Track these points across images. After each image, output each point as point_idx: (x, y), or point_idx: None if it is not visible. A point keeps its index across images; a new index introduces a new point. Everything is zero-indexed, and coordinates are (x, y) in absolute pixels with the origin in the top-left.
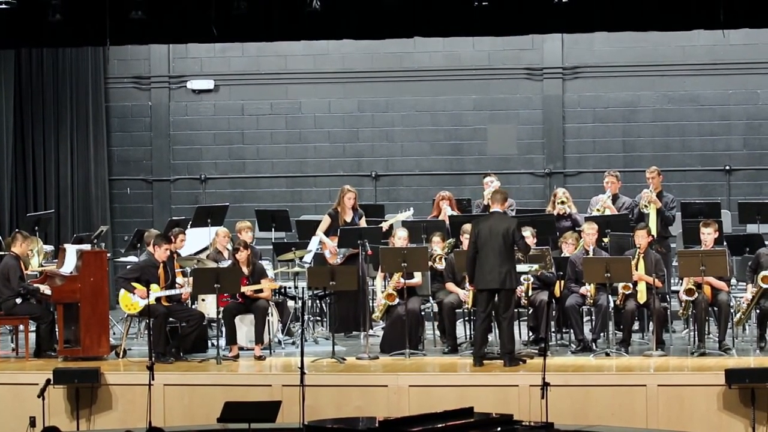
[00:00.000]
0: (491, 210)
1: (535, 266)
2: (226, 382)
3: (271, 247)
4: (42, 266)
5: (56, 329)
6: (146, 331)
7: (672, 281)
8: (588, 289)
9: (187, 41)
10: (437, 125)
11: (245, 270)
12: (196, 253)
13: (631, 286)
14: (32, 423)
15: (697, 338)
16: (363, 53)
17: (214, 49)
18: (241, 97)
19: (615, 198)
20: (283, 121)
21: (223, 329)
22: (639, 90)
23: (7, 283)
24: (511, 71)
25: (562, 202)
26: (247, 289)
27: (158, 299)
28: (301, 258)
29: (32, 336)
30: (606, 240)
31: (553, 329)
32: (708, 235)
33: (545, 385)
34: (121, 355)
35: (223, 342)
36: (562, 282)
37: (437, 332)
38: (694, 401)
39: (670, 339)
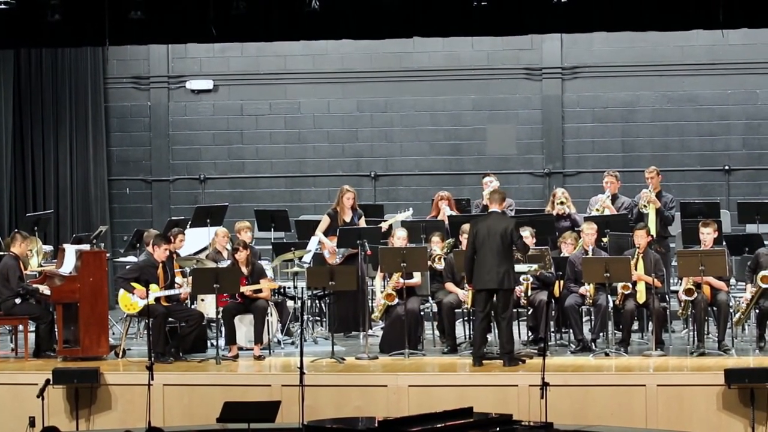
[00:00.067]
0: (490, 210)
1: (535, 266)
2: (225, 382)
3: (270, 247)
4: (41, 266)
5: (55, 329)
6: (145, 331)
7: (671, 281)
8: (587, 289)
9: (186, 41)
10: (436, 125)
11: (244, 270)
12: (196, 253)
13: (631, 286)
14: (32, 423)
15: (696, 338)
16: (362, 53)
17: (213, 49)
18: (240, 97)
19: (614, 198)
20: (283, 121)
21: (223, 329)
22: (638, 90)
23: (6, 283)
24: (511, 71)
25: (562, 203)
26: (247, 289)
27: (157, 299)
28: (300, 258)
29: (31, 336)
30: (605, 240)
31: (552, 329)
32: (707, 235)
33: (544, 385)
34: (120, 355)
35: (222, 342)
36: (562, 282)
37: (436, 332)
38: (693, 401)
39: (670, 339)
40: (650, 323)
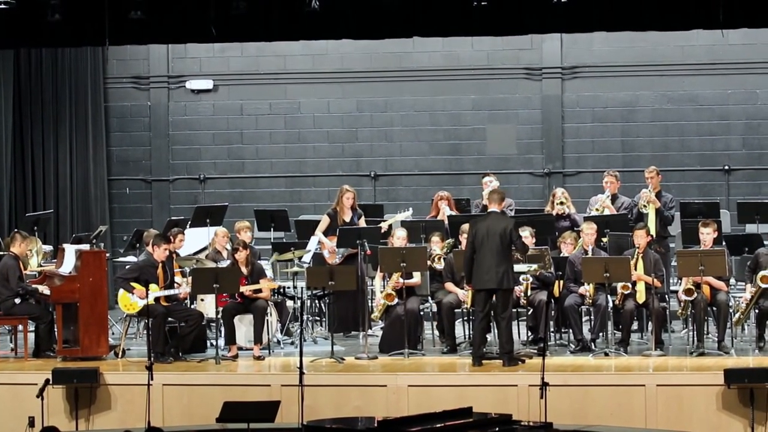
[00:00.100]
0: (489, 210)
1: (534, 266)
2: (225, 382)
3: (270, 247)
4: (41, 266)
5: (55, 329)
6: (145, 331)
7: (671, 281)
8: (587, 288)
9: (186, 41)
10: (436, 125)
11: (244, 270)
12: (195, 253)
13: (630, 285)
14: (31, 423)
15: (696, 338)
16: (362, 53)
17: (213, 49)
18: (240, 97)
19: (614, 198)
20: (282, 121)
21: (222, 329)
22: (638, 90)
23: (6, 283)
24: (510, 71)
25: (561, 203)
26: (246, 289)
27: (157, 299)
28: (300, 258)
29: (31, 336)
30: (605, 240)
31: (552, 329)
32: (707, 234)
33: (544, 385)
34: (120, 355)
35: (222, 342)
36: (561, 282)
37: (436, 332)
38: (693, 401)
39: (669, 339)
40: (650, 323)
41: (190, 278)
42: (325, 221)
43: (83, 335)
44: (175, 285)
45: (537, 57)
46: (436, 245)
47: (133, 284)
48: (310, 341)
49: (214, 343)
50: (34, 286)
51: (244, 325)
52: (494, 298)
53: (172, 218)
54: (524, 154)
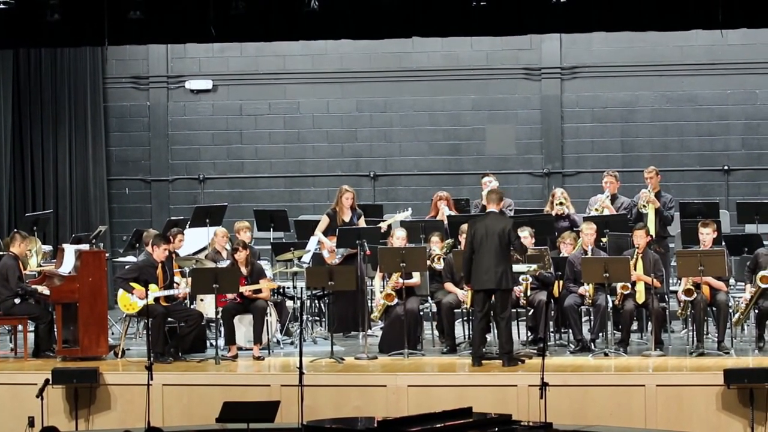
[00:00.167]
0: (487, 210)
1: (534, 266)
2: (224, 382)
3: (269, 247)
4: (40, 266)
5: (55, 329)
6: (145, 331)
7: (670, 281)
8: (587, 289)
9: (186, 41)
10: (436, 125)
11: (244, 270)
12: (195, 253)
13: (630, 286)
14: (31, 423)
15: (695, 338)
16: (361, 53)
17: (213, 49)
18: (239, 97)
19: (614, 198)
20: (282, 121)
21: (222, 329)
22: (637, 90)
23: (5, 283)
24: (510, 71)
25: (561, 203)
26: (246, 289)
27: (157, 299)
28: (299, 258)
29: (31, 336)
30: (604, 240)
31: (551, 329)
32: (706, 235)
33: (544, 385)
34: (119, 355)
35: (221, 342)
36: (561, 282)
37: (436, 332)
38: (692, 401)
39: (669, 339)
40: (649, 323)
41: (189, 278)
42: (324, 221)
43: (83, 335)
44: (175, 285)
45: (536, 57)
46: (436, 245)
47: (133, 284)
48: (310, 341)
49: (214, 343)
50: (33, 286)
51: (243, 325)
52: (493, 298)
53: (172, 218)
54: (523, 155)
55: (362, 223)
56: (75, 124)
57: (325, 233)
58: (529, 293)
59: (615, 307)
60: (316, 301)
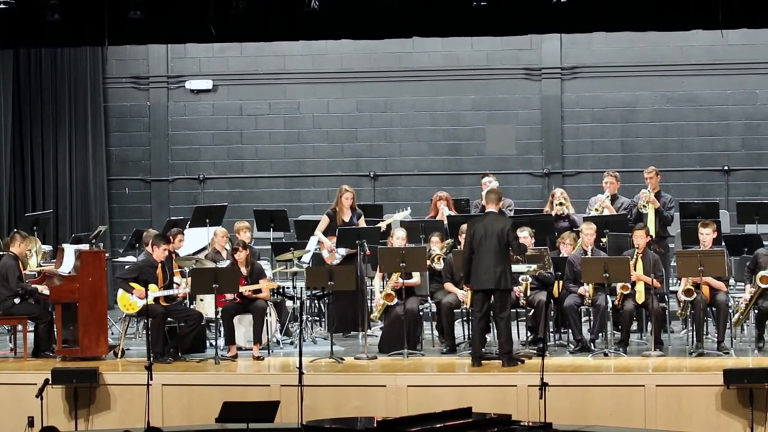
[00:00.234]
0: (486, 210)
1: (534, 266)
2: (224, 382)
3: (269, 247)
4: (40, 266)
5: (55, 329)
6: (144, 331)
7: (670, 281)
8: (586, 289)
9: (186, 41)
10: (436, 125)
11: (244, 270)
12: (195, 253)
13: (630, 286)
14: (30, 423)
15: (695, 338)
16: (361, 53)
17: (213, 49)
18: (239, 97)
19: (614, 198)
20: (282, 121)
21: (222, 329)
22: (637, 90)
23: (5, 283)
24: (510, 71)
25: (560, 203)
26: (246, 289)
27: (156, 299)
28: (299, 258)
29: (31, 336)
30: (604, 240)
31: (551, 329)
32: (706, 235)
33: (543, 385)
34: (119, 355)
35: (221, 342)
36: (561, 282)
37: (435, 332)
38: (692, 401)
39: (669, 339)
40: (649, 323)
41: (189, 278)
42: (324, 221)
43: (83, 335)
44: (175, 285)
45: (536, 57)
46: (436, 245)
47: (133, 284)
48: (310, 341)
49: (214, 343)
50: (33, 285)
51: (243, 326)
52: (492, 298)
53: (172, 218)
54: (523, 155)
55: (362, 223)
56: (75, 124)
57: (325, 233)
58: (528, 293)
59: (615, 307)
60: (316, 301)
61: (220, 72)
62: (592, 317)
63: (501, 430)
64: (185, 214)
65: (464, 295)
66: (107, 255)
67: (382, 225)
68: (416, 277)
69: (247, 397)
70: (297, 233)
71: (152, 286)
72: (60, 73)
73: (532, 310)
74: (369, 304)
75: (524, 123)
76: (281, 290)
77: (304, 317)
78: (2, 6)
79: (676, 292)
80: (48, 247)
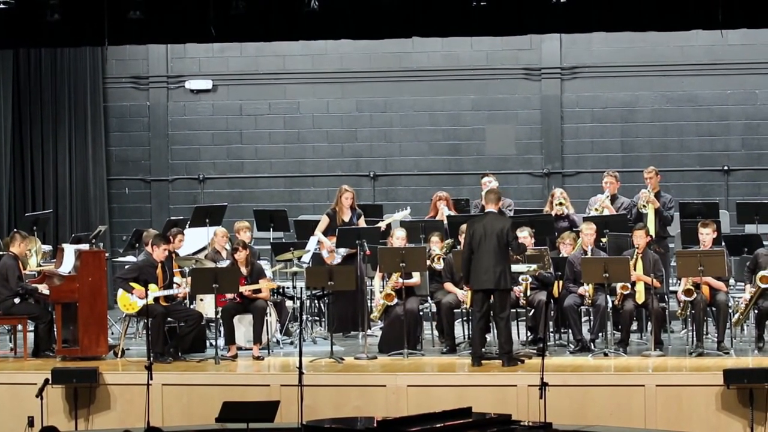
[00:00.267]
0: (486, 210)
1: (534, 266)
2: (224, 382)
3: (269, 247)
4: (40, 266)
5: (54, 329)
6: (144, 331)
7: (670, 281)
8: (586, 289)
9: (186, 41)
10: (436, 125)
11: (244, 270)
12: (195, 253)
13: (630, 286)
14: (30, 423)
15: (695, 338)
16: (361, 53)
17: (213, 49)
18: (239, 97)
19: (614, 198)
20: (282, 121)
21: (222, 329)
22: (637, 90)
23: (5, 282)
24: (510, 71)
25: (560, 203)
26: (246, 289)
27: (156, 299)
28: (299, 258)
29: (30, 336)
30: (604, 240)
31: (551, 329)
32: (706, 235)
33: (543, 385)
34: (119, 355)
35: (221, 342)
36: (561, 282)
37: (435, 332)
38: (692, 401)
39: (669, 339)
40: (649, 323)
41: (189, 278)
42: (324, 221)
43: (82, 335)
44: (175, 285)
45: (536, 57)
46: (436, 245)
47: (133, 284)
48: (310, 341)
49: (214, 343)
50: (33, 285)
51: (243, 325)
52: (492, 298)
53: (172, 218)
54: (523, 155)
55: (362, 223)
56: (75, 123)
57: (325, 233)
58: (528, 293)
59: (615, 307)
60: (316, 301)
61: (220, 72)
62: (592, 317)
63: (501, 430)
64: (185, 214)
65: (464, 295)
66: (107, 255)
67: (382, 225)
68: (416, 277)
69: (247, 397)
70: (297, 233)
71: (152, 286)
72: (60, 73)
73: (532, 310)
74: (369, 304)
75: (524, 123)
76: (281, 290)
77: (304, 317)
78: (2, 6)
79: (676, 292)
80: (48, 247)
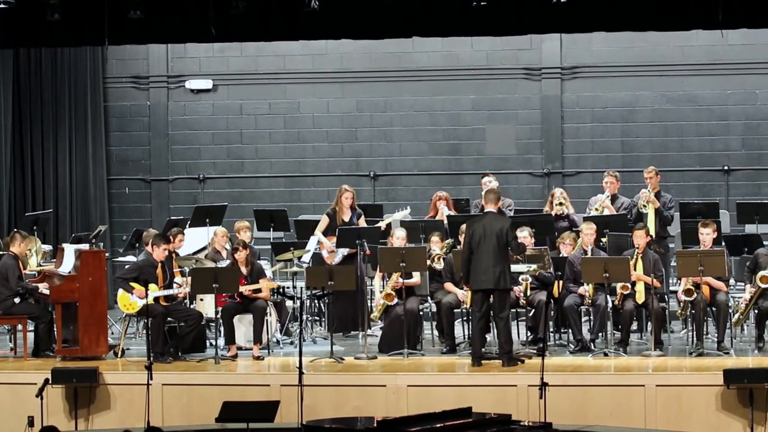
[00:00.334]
0: (485, 210)
1: (534, 266)
2: (224, 382)
3: (269, 246)
4: (40, 266)
5: (55, 329)
6: (144, 331)
7: (670, 281)
8: (586, 289)
9: (186, 41)
10: (436, 125)
11: (244, 270)
12: (195, 253)
13: (630, 286)
14: (30, 423)
15: (695, 338)
16: (361, 53)
17: (213, 48)
18: (239, 96)
19: (614, 198)
20: (282, 121)
21: (222, 329)
22: (637, 90)
23: (5, 282)
24: (510, 71)
25: (560, 203)
26: (246, 289)
27: (156, 299)
28: (299, 258)
29: (31, 336)
30: (604, 240)
31: (551, 329)
32: (706, 235)
33: (543, 385)
34: (119, 355)
35: (221, 342)
36: (561, 282)
37: (436, 332)
38: (692, 401)
39: (669, 339)
40: (649, 323)
41: (189, 278)
42: (324, 221)
43: (83, 335)
44: (175, 285)
45: (536, 57)
46: (436, 245)
47: (133, 284)
48: (310, 341)
49: (214, 343)
50: (33, 285)
51: (243, 325)
52: (492, 298)
53: (172, 218)
54: (523, 155)
55: (362, 222)
56: (75, 123)
57: (325, 233)
58: (528, 293)
59: (615, 307)
60: (316, 301)
61: (220, 72)
62: (592, 317)
63: (501, 430)
64: (185, 214)
65: (464, 295)
66: (107, 255)
67: (382, 225)
68: (416, 277)
69: (247, 397)
70: (297, 233)
71: (152, 286)
72: (60, 73)
73: (532, 310)
74: (369, 304)
75: (524, 123)
76: (281, 290)
77: (304, 317)
78: (2, 6)
79: (676, 292)
80: (48, 247)
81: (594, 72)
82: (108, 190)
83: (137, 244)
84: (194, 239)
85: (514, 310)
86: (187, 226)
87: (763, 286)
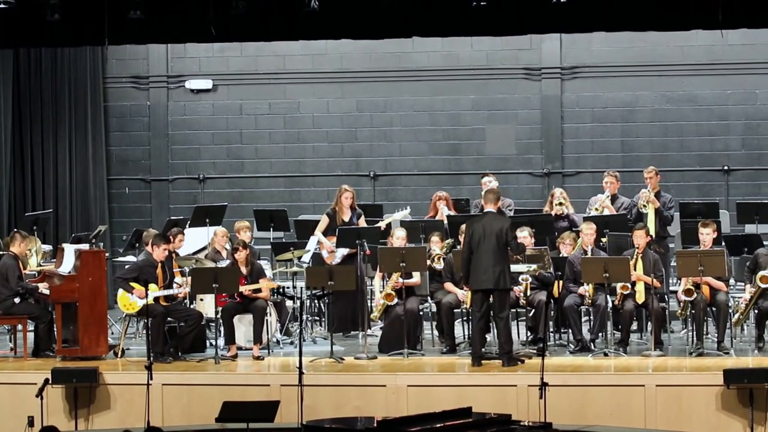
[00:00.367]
0: (485, 210)
1: (534, 266)
2: (224, 382)
3: (269, 246)
4: (40, 266)
5: (55, 329)
6: (144, 331)
7: (670, 281)
8: (586, 289)
9: (186, 41)
10: (436, 125)
11: (244, 270)
12: (195, 253)
13: (630, 286)
14: (30, 423)
15: (695, 338)
16: (361, 53)
17: (213, 48)
18: (239, 96)
19: (614, 198)
20: (282, 121)
21: (222, 329)
22: (637, 90)
23: (5, 282)
24: (510, 71)
25: (560, 203)
26: (246, 289)
27: (156, 299)
28: (299, 258)
29: (31, 335)
30: (604, 240)
31: (551, 329)
32: (706, 235)
33: (543, 385)
34: (119, 355)
35: (221, 342)
36: (561, 282)
37: (436, 332)
38: (692, 401)
39: (669, 339)
40: (649, 323)
41: (189, 278)
42: (324, 221)
43: (83, 335)
44: (175, 285)
45: (536, 57)
46: (436, 245)
47: (133, 284)
48: (310, 341)
49: (214, 343)
50: (33, 285)
51: (243, 325)
52: (491, 298)
53: (172, 218)
54: (523, 155)
55: (362, 222)
56: (75, 123)
57: (325, 233)
58: (528, 293)
59: (615, 307)
60: (316, 301)
61: (220, 72)
62: (592, 317)
63: (501, 430)
64: (185, 214)
65: (464, 295)
66: (107, 255)
67: (382, 225)
68: (416, 277)
69: (247, 397)
70: (297, 233)
71: (152, 286)
72: (60, 73)
73: (532, 310)
74: (369, 304)
75: (524, 123)
76: (281, 290)
77: (304, 317)
78: (2, 6)
79: (676, 292)
80: (48, 247)
81: (594, 72)
82: (108, 190)
83: (137, 244)
84: (194, 239)
85: (514, 310)
86: (187, 226)
87: (763, 286)
